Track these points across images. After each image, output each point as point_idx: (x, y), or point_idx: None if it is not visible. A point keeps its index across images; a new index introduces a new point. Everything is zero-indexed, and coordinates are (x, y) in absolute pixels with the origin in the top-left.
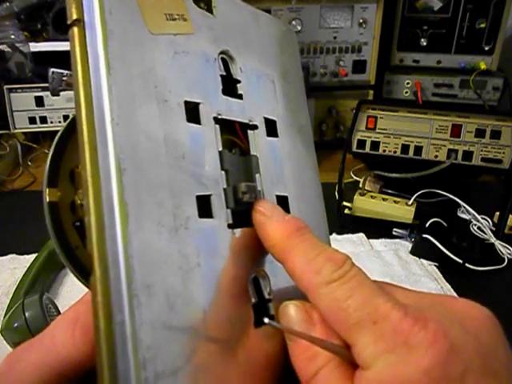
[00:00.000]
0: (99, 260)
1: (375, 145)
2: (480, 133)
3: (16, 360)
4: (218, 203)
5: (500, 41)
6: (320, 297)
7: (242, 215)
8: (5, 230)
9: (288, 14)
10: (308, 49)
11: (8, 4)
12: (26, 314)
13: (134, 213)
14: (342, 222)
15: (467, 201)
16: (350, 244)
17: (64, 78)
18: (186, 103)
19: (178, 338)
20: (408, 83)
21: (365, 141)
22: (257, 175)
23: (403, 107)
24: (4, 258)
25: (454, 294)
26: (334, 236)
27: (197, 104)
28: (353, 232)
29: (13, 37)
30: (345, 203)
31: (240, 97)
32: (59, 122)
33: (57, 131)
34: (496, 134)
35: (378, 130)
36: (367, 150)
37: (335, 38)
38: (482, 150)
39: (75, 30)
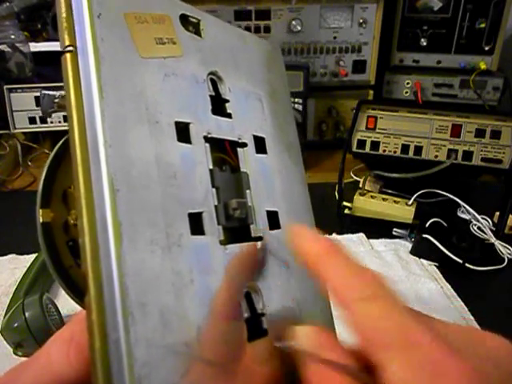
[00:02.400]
0: (94, 279)
1: (375, 145)
2: (480, 133)
3: (12, 379)
4: (209, 220)
5: (500, 41)
6: (353, 312)
7: (233, 231)
8: (5, 230)
9: (288, 14)
10: (308, 49)
11: (8, 4)
12: (26, 314)
13: (127, 232)
14: (342, 222)
15: (467, 201)
16: (350, 244)
17: (56, 100)
18: (177, 124)
19: (172, 355)
20: (408, 83)
21: (365, 141)
22: (247, 191)
23: (403, 107)
24: (4, 257)
25: (454, 294)
26: (334, 236)
27: (187, 124)
28: (353, 232)
29: (13, 37)
30: (345, 203)
31: (229, 116)
32: (59, 121)
33: (57, 131)
34: (496, 134)
35: (377, 130)
36: (367, 150)
37: (335, 38)
38: (481, 150)
39: (68, 56)
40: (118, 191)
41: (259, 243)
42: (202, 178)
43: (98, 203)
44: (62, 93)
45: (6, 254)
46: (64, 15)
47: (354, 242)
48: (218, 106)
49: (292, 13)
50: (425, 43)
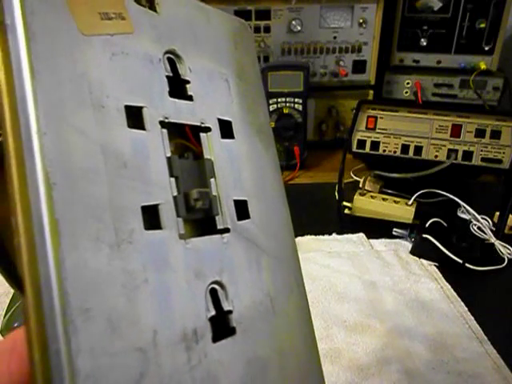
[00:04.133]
0: (31, 284)
1: (375, 145)
2: (480, 133)
3: None
4: (167, 212)
5: (500, 41)
6: None
7: (197, 224)
8: None
9: (288, 14)
10: (308, 49)
11: None
12: None
13: (66, 230)
14: (342, 222)
15: (467, 201)
16: (350, 244)
17: None
18: (127, 108)
19: (123, 363)
20: (408, 83)
21: (365, 141)
22: (211, 180)
23: (403, 107)
24: None
25: (454, 294)
26: (334, 236)
27: (140, 108)
28: (353, 232)
29: None
30: (345, 203)
31: (190, 98)
32: None
33: None
34: (496, 134)
35: (377, 130)
36: (367, 150)
37: (335, 38)
38: (481, 150)
39: None
40: (54, 185)
41: (226, 235)
42: (159, 167)
43: (33, 199)
44: None
45: None
46: None
47: (354, 242)
48: (177, 87)
49: (292, 13)
50: (425, 43)
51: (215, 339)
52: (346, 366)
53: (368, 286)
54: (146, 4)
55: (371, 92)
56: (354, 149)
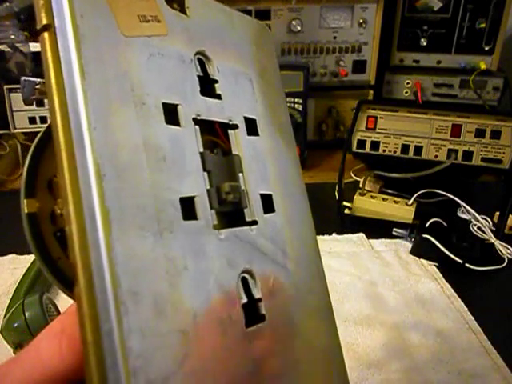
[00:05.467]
0: (83, 269)
1: (375, 145)
2: (480, 133)
3: (1, 376)
4: (201, 204)
5: (500, 41)
6: None
7: (227, 216)
8: (5, 229)
9: (288, 14)
10: (308, 49)
11: (8, 4)
12: (26, 314)
13: (116, 219)
14: (342, 222)
15: (467, 201)
16: (350, 244)
17: (37, 87)
18: (164, 105)
19: (168, 344)
20: (408, 83)
21: (365, 141)
22: (240, 174)
23: (403, 107)
24: (4, 257)
25: (454, 294)
26: (333, 236)
27: (175, 105)
28: (353, 232)
29: (13, 37)
30: (345, 203)
31: (218, 97)
32: None
33: None
34: (496, 134)
35: (378, 130)
36: (367, 150)
37: (335, 37)
38: (482, 150)
39: (46, 35)
40: (104, 176)
41: (254, 227)
42: (193, 162)
43: (84, 189)
44: (43, 80)
45: (6, 254)
46: None
47: (354, 242)
48: (207, 86)
49: (292, 13)
50: (425, 43)
51: (247, 325)
52: (347, 366)
53: (368, 286)
54: (177, 7)
55: (371, 92)
56: (354, 149)
